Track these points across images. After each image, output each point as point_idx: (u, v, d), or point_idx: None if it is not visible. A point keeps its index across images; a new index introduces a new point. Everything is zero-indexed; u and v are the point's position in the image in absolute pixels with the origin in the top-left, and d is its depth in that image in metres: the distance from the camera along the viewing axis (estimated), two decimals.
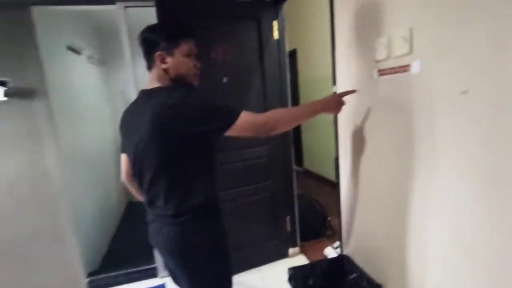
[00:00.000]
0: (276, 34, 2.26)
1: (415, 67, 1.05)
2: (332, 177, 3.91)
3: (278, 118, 1.02)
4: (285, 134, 2.37)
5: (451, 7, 0.91)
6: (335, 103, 1.20)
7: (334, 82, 1.56)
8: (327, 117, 4.11)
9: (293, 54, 4.50)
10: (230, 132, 0.95)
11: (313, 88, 4.18)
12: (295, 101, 4.54)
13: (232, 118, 0.94)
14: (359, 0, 1.31)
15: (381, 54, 1.19)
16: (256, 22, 2.18)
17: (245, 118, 0.95)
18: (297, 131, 4.67)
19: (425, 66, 1.02)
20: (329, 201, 3.37)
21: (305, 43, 4.18)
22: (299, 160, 4.78)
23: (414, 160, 1.11)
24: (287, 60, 2.34)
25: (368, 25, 1.26)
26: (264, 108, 2.26)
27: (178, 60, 1.01)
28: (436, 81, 0.98)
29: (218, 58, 2.06)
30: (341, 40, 1.47)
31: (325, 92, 3.92)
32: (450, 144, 0.96)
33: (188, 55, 1.03)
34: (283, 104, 2.34)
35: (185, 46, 1.02)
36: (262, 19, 2.18)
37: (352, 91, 1.25)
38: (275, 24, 2.25)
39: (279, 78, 2.30)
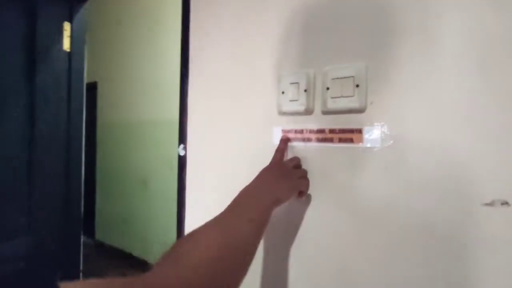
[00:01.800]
0: (67, 44, 1.35)
1: (370, 138, 0.55)
2: (140, 253, 2.95)
3: None
4: (67, 200, 1.37)
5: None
6: (292, 183, 0.56)
7: (181, 140, 0.86)
8: (134, 174, 3.15)
9: (93, 88, 3.42)
10: None
11: (119, 135, 3.22)
12: (92, 150, 3.36)
13: None
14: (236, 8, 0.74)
15: (292, 102, 0.63)
16: (27, 13, 1.21)
17: None
18: (89, 189, 3.41)
19: (395, 137, 0.53)
20: None
21: (112, 76, 3.26)
22: (89, 227, 3.47)
23: None
24: (83, 86, 1.43)
25: (268, 50, 0.69)
26: (29, 165, 1.21)
27: None
28: (422, 168, 0.51)
29: None
30: (201, 71, 0.83)
31: (137, 140, 3.00)
32: None
33: None
34: (72, 157, 1.37)
35: None
36: (38, 10, 1.23)
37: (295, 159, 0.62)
38: (66, 27, 1.34)
39: (67, 114, 1.35)
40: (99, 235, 3.47)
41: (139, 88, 2.94)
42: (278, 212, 0.54)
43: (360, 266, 0.56)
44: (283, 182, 0.53)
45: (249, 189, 0.51)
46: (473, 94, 0.46)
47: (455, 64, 0.48)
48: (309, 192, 0.62)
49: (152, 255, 2.78)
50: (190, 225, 0.85)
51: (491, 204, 0.45)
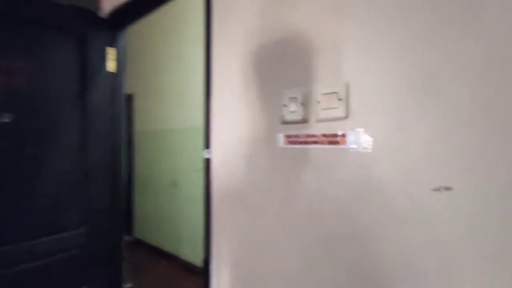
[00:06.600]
0: (112, 65, 1.59)
1: (352, 140, 0.70)
2: (172, 249, 3.20)
3: None
4: (109, 207, 1.59)
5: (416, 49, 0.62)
6: None
7: (206, 145, 1.05)
8: (165, 176, 3.52)
9: (129, 100, 3.75)
10: None
11: (152, 142, 3.52)
12: (129, 154, 3.70)
13: None
14: (257, 35, 0.91)
15: (292, 113, 0.79)
16: (78, 40, 1.45)
17: None
18: (128, 193, 3.76)
19: (375, 139, 0.67)
20: (170, 284, 2.64)
21: (145, 88, 3.57)
22: (128, 226, 3.79)
23: None
24: (122, 99, 1.67)
25: (273, 71, 0.86)
26: (85, 170, 1.45)
27: None
28: (388, 165, 0.65)
29: None
30: (222, 85, 1.01)
31: (168, 146, 3.33)
32: None
33: None
34: (115, 160, 1.60)
35: None
36: (88, 37, 1.47)
37: None
38: (111, 52, 1.58)
39: (111, 124, 1.59)
40: (137, 232, 3.78)
41: (168, 99, 3.21)
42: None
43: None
44: None
45: None
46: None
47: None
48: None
49: (183, 250, 3.03)
50: (217, 215, 1.04)
51: (437, 189, 0.58)
